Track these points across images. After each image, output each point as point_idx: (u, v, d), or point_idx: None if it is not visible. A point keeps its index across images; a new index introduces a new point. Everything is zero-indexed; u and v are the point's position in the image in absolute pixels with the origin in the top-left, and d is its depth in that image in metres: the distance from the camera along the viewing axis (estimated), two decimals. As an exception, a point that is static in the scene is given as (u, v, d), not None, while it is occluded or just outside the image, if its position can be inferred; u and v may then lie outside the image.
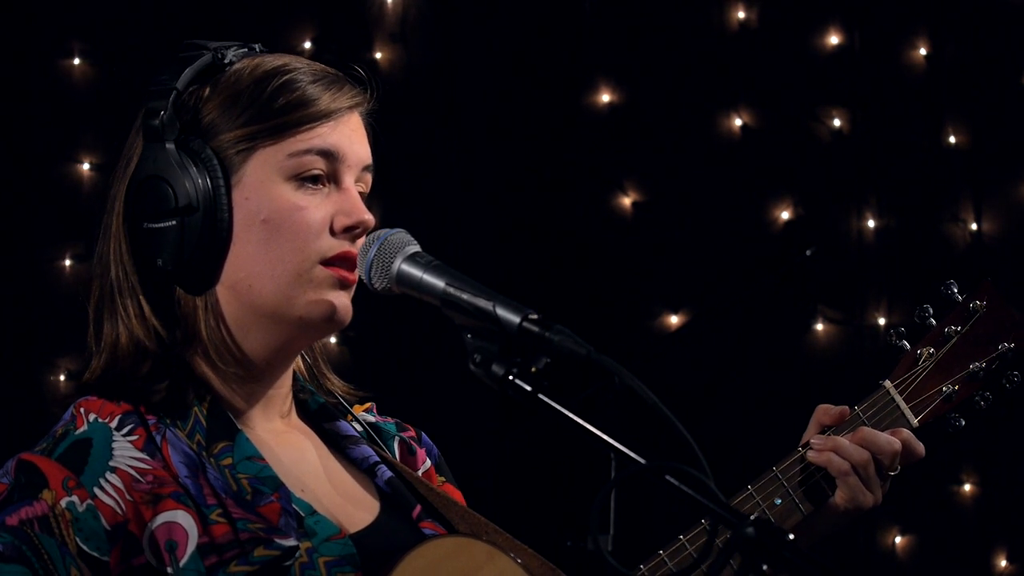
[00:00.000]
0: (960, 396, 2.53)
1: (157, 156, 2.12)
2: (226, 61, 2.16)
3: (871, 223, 5.41)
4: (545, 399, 1.88)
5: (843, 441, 2.44)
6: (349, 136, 2.18)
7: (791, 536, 1.74)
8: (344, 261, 2.14)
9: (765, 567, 1.75)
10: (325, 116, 2.15)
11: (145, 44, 4.72)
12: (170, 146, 2.11)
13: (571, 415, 1.87)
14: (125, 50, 4.74)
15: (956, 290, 2.57)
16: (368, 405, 2.38)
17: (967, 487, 5.37)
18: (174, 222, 2.10)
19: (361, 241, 2.15)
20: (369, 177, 2.22)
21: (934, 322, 2.56)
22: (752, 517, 1.75)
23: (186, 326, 2.13)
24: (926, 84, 5.44)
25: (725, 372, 5.31)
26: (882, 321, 5.38)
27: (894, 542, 5.36)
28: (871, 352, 5.36)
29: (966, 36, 5.42)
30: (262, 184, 2.12)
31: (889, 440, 2.43)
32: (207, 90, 2.15)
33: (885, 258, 5.40)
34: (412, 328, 4.89)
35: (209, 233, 2.11)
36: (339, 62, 2.25)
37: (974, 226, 5.44)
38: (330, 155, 2.15)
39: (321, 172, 2.14)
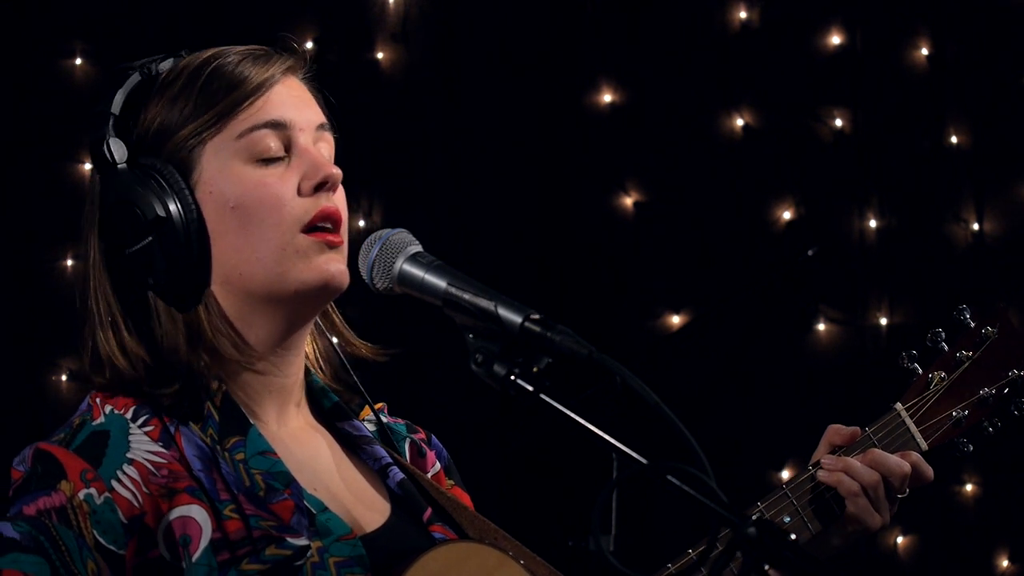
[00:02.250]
0: (969, 421, 2.55)
1: (114, 182, 2.12)
2: (155, 73, 2.17)
3: (872, 223, 5.41)
4: (547, 399, 1.88)
5: (854, 462, 2.44)
6: (291, 102, 2.17)
7: (792, 536, 1.74)
8: (325, 220, 2.13)
9: (767, 567, 1.75)
10: (259, 88, 2.14)
11: (145, 44, 4.72)
12: (122, 166, 2.12)
13: (573, 415, 1.87)
14: (126, 50, 4.74)
15: (969, 315, 2.58)
16: (380, 406, 2.38)
17: (969, 487, 5.37)
18: (151, 239, 2.10)
19: (338, 195, 2.15)
20: (329, 136, 2.20)
21: (946, 347, 2.57)
22: (754, 517, 1.75)
23: (191, 333, 2.12)
24: (928, 84, 5.44)
25: (726, 372, 5.31)
26: (883, 321, 5.38)
27: (896, 542, 5.36)
28: (872, 352, 5.36)
29: (967, 36, 5.42)
30: (220, 172, 2.13)
31: (899, 463, 2.44)
32: (144, 110, 2.15)
33: (886, 258, 5.40)
34: (414, 328, 4.89)
35: (186, 237, 2.11)
36: (270, 37, 2.24)
37: (976, 226, 5.44)
38: (277, 125, 2.14)
39: (276, 146, 2.13)
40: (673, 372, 5.22)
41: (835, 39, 5.42)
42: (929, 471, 2.47)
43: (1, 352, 4.64)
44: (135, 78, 2.15)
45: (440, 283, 2.00)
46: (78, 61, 4.79)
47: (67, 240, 4.65)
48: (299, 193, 2.13)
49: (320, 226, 2.13)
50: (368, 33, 5.13)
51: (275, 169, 2.13)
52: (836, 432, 2.49)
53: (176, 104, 2.14)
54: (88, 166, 4.69)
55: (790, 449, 5.20)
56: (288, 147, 2.15)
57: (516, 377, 1.90)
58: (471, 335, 1.94)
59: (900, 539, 5.36)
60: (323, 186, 2.13)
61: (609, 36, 5.34)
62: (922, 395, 2.54)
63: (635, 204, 5.35)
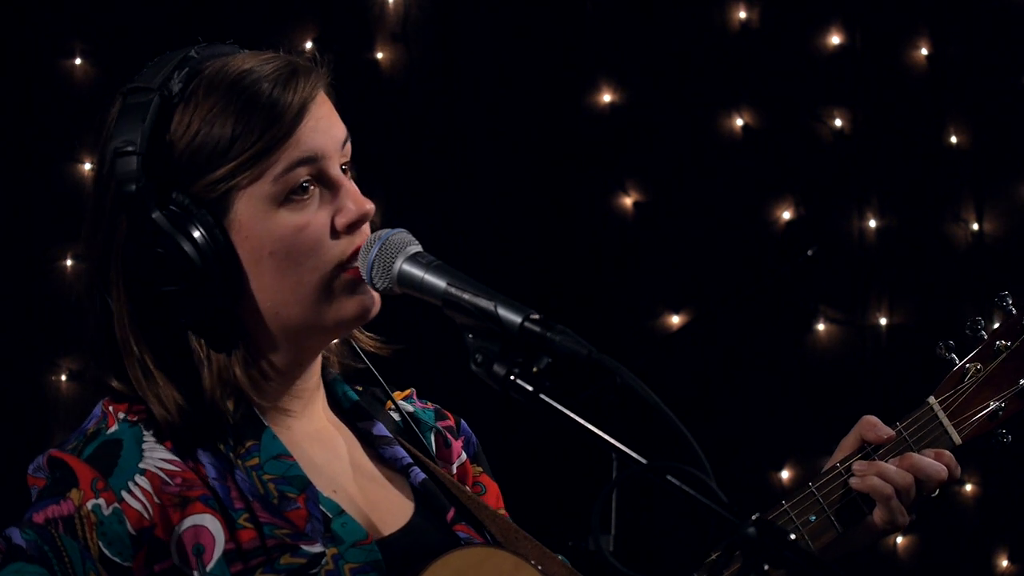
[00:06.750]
0: (1008, 412, 2.47)
1: (146, 227, 2.06)
2: (175, 93, 2.08)
3: (872, 223, 5.41)
4: (546, 399, 1.88)
5: (886, 466, 2.39)
6: (320, 127, 2.11)
7: (792, 536, 1.74)
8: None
9: (767, 567, 1.75)
10: (291, 128, 2.08)
11: (146, 44, 4.71)
12: (156, 215, 2.05)
13: (572, 415, 1.86)
14: (126, 50, 4.74)
15: (1010, 302, 2.51)
16: (408, 392, 2.38)
17: (968, 487, 5.37)
18: (184, 286, 2.06)
19: (368, 227, 2.13)
20: (348, 147, 2.15)
21: (985, 335, 2.50)
22: (754, 517, 1.75)
23: (220, 370, 2.10)
24: (927, 84, 5.44)
25: (726, 372, 5.31)
26: (883, 321, 5.38)
27: (895, 542, 5.36)
28: (872, 352, 5.36)
29: (967, 36, 5.42)
30: (256, 218, 2.08)
31: (937, 468, 2.39)
32: (168, 137, 2.07)
33: (886, 258, 5.40)
34: (413, 328, 4.89)
35: (223, 284, 2.07)
36: (268, 38, 2.19)
37: (975, 226, 5.44)
38: (309, 160, 2.09)
39: (308, 181, 2.09)
40: (673, 372, 5.22)
41: (835, 39, 5.42)
42: (957, 470, 2.41)
43: (1, 352, 4.64)
44: (156, 104, 2.06)
45: (440, 283, 1.99)
46: (78, 61, 4.79)
47: (67, 240, 4.64)
48: (334, 229, 2.10)
49: (357, 261, 2.10)
50: (368, 33, 5.13)
51: (308, 208, 2.09)
52: (871, 427, 2.43)
53: (204, 148, 2.07)
54: (88, 166, 4.72)
55: (790, 449, 5.19)
56: (319, 177, 2.10)
57: (516, 377, 1.89)
58: (471, 335, 1.94)
59: (900, 539, 5.37)
60: (358, 225, 2.11)
61: (609, 36, 5.34)
62: (957, 388, 2.47)
63: (635, 204, 5.35)
